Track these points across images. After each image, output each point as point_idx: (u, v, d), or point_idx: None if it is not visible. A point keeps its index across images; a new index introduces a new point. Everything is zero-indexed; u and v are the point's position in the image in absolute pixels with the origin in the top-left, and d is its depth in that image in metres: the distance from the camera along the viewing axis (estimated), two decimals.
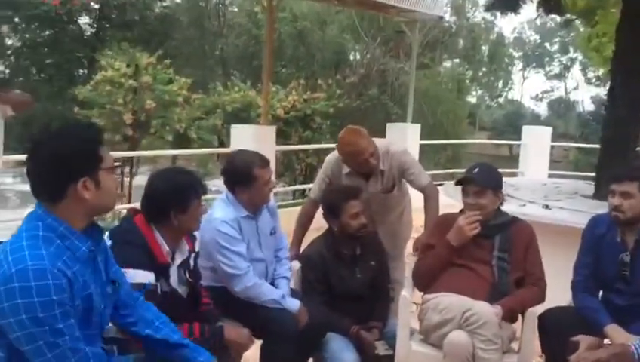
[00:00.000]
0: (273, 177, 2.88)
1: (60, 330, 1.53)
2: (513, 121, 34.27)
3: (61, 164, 1.62)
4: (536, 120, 40.30)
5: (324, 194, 3.29)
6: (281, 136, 13.92)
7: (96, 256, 1.74)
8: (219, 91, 15.40)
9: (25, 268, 1.50)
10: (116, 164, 1.78)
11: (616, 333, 2.52)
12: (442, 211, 3.24)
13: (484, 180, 2.84)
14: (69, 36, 26.02)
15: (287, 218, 3.59)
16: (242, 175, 2.75)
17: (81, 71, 24.89)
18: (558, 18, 8.63)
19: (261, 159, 2.81)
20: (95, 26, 27.01)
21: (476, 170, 2.89)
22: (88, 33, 26.98)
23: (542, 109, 51.76)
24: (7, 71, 28.51)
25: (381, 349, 2.94)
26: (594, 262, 2.76)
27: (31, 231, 1.60)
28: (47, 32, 26.25)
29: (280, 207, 4.00)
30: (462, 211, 2.90)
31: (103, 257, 1.79)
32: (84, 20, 26.19)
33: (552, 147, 10.27)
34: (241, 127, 7.15)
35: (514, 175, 8.87)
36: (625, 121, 4.77)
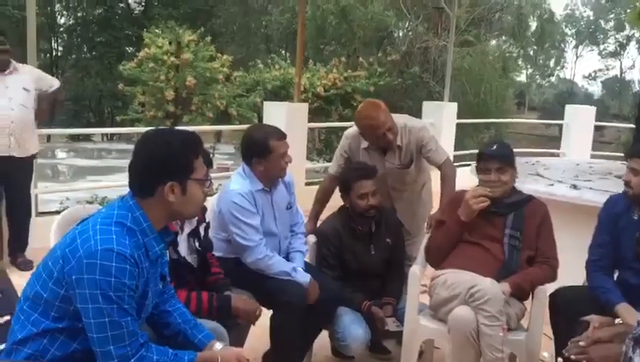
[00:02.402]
0: (291, 152, 2.90)
1: (126, 310, 1.65)
2: (564, 101, 33.26)
3: (155, 164, 1.74)
4: (588, 99, 39.04)
5: (341, 171, 3.32)
6: (322, 114, 13.94)
7: (160, 257, 1.85)
8: (259, 69, 15.49)
9: (110, 250, 1.63)
10: None
11: (627, 312, 2.47)
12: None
13: (505, 157, 2.81)
14: (119, 15, 26.62)
15: None
16: (259, 146, 2.78)
17: (129, 49, 25.44)
18: None
19: (278, 132, 2.84)
20: (143, 4, 27.53)
21: (494, 146, 2.87)
22: (136, 12, 27.55)
23: (595, 89, 50.12)
24: (60, 48, 29.43)
25: (392, 325, 2.95)
26: (610, 241, 2.70)
27: (120, 219, 1.72)
28: (97, 11, 26.90)
29: (317, 183, 4.09)
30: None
31: (162, 256, 1.90)
32: None
33: (604, 128, 9.89)
34: (273, 104, 7.21)
35: (554, 156, 8.64)
36: None
